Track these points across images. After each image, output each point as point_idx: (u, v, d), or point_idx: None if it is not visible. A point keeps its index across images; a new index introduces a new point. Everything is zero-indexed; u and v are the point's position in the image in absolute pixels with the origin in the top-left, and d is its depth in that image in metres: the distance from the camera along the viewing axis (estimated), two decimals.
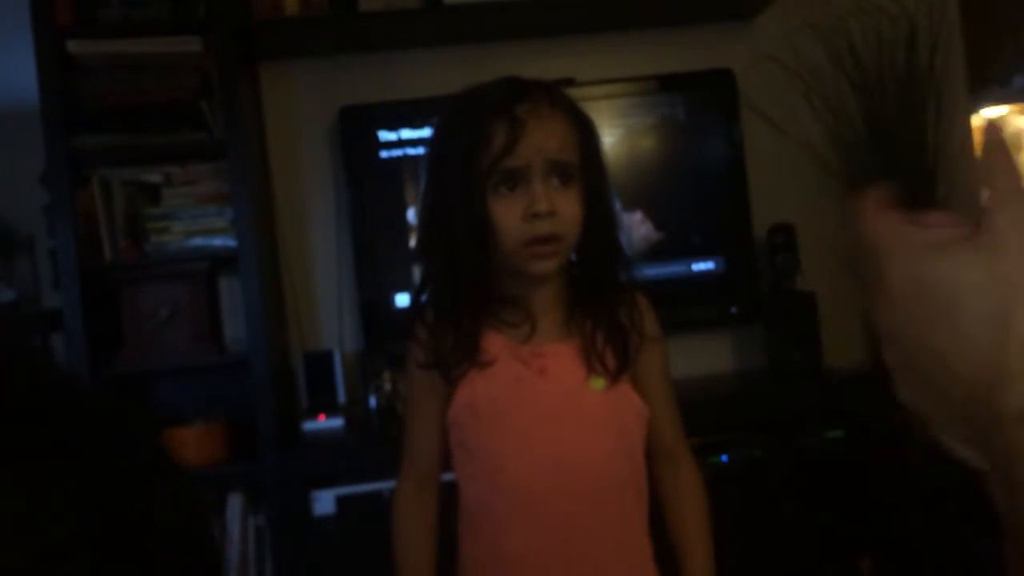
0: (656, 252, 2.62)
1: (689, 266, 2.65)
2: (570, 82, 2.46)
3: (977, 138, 2.94)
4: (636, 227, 2.62)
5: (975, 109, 2.78)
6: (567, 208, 1.09)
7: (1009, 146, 0.46)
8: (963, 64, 2.86)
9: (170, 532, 0.43)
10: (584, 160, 1.12)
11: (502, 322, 1.15)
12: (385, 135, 2.58)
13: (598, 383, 1.13)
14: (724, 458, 2.32)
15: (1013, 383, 0.42)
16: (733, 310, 2.67)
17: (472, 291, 1.13)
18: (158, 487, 0.44)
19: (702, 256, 2.65)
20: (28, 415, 0.40)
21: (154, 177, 2.41)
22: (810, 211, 2.74)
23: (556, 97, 1.12)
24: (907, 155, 2.60)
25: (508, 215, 1.08)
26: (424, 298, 1.18)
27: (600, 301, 1.15)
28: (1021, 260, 0.42)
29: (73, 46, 2.27)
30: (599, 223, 1.14)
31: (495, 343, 1.14)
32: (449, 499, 1.20)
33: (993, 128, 0.47)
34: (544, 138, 1.08)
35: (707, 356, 2.76)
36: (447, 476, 1.21)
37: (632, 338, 1.15)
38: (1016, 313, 0.42)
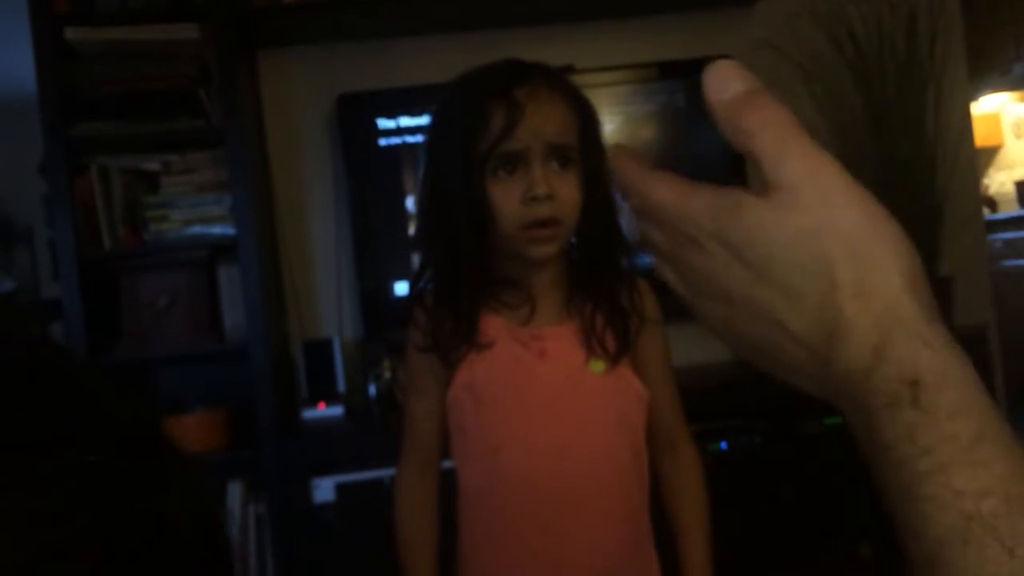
0: None
1: None
2: (569, 69, 2.45)
3: (976, 126, 2.94)
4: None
5: (974, 96, 2.78)
6: (566, 191, 1.09)
7: (750, 95, 0.42)
8: (963, 51, 2.85)
9: (182, 533, 0.41)
10: (583, 143, 1.12)
11: (501, 304, 1.15)
12: (384, 123, 2.57)
13: (598, 366, 1.13)
14: (723, 445, 2.33)
15: (851, 334, 0.39)
16: None
17: (471, 274, 1.13)
18: (171, 487, 0.43)
19: None
20: (32, 408, 0.39)
21: (152, 165, 2.40)
22: None
23: (555, 80, 1.12)
24: (906, 142, 2.60)
25: (507, 198, 1.08)
26: (423, 282, 1.18)
27: (600, 284, 1.15)
28: (822, 209, 0.40)
29: (71, 34, 2.26)
30: (599, 207, 1.13)
31: (494, 325, 1.14)
32: (450, 483, 1.20)
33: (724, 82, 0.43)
34: (543, 121, 1.08)
35: (707, 344, 2.76)
36: (447, 464, 1.21)
37: (632, 321, 1.14)
38: (837, 261, 0.39)
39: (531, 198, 1.07)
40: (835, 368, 0.40)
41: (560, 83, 1.12)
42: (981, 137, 3.54)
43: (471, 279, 1.13)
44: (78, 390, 0.43)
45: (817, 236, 0.40)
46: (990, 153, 5.26)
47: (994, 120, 5.24)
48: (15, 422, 0.38)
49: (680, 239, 0.45)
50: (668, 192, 0.45)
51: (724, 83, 0.44)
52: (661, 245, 0.47)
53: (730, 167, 2.65)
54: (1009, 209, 5.00)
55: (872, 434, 0.39)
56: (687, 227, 0.45)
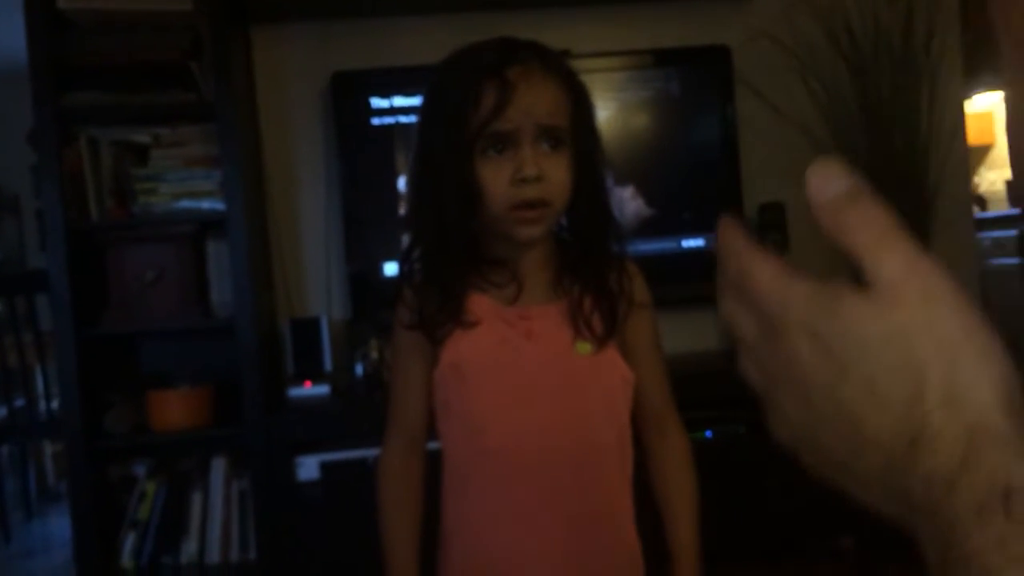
0: (647, 228, 2.61)
1: (679, 242, 2.65)
2: (566, 54, 2.44)
3: (969, 124, 2.94)
4: (627, 202, 2.61)
5: (969, 94, 2.78)
6: (555, 173, 1.08)
7: (858, 195, 0.41)
8: (958, 49, 2.85)
9: None
10: (575, 125, 1.11)
11: (489, 283, 1.14)
12: (377, 102, 2.56)
13: (584, 347, 1.12)
14: (708, 434, 2.33)
15: (937, 442, 0.37)
16: None
17: (458, 252, 1.12)
18: None
19: (692, 233, 2.65)
20: None
21: (143, 138, 2.39)
22: (801, 190, 2.68)
23: (548, 60, 1.11)
24: (900, 137, 2.60)
25: (496, 178, 1.07)
26: (412, 260, 1.17)
27: (589, 265, 1.15)
28: (921, 309, 0.39)
29: (63, 2, 2.24)
30: (589, 189, 1.13)
31: (480, 304, 1.13)
32: (435, 463, 1.20)
33: (834, 184, 0.42)
34: (534, 102, 1.07)
35: (695, 333, 2.77)
36: (433, 445, 1.21)
37: (620, 303, 1.14)
38: (931, 364, 0.38)
39: (520, 179, 1.06)
40: (914, 477, 0.38)
41: (553, 63, 1.11)
42: (973, 135, 3.54)
43: (458, 257, 1.13)
44: None
45: (913, 336, 0.39)
46: (982, 152, 5.28)
47: (987, 119, 5.25)
48: None
49: (769, 324, 0.43)
50: (768, 271, 0.44)
51: (827, 182, 0.43)
52: (748, 330, 0.45)
53: (722, 155, 2.66)
54: (999, 208, 5.02)
55: (952, 545, 0.37)
56: (779, 311, 0.43)
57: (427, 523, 1.20)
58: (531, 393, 1.12)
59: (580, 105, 1.12)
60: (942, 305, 0.39)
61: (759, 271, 0.44)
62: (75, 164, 2.32)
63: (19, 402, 3.96)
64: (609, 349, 1.13)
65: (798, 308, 0.42)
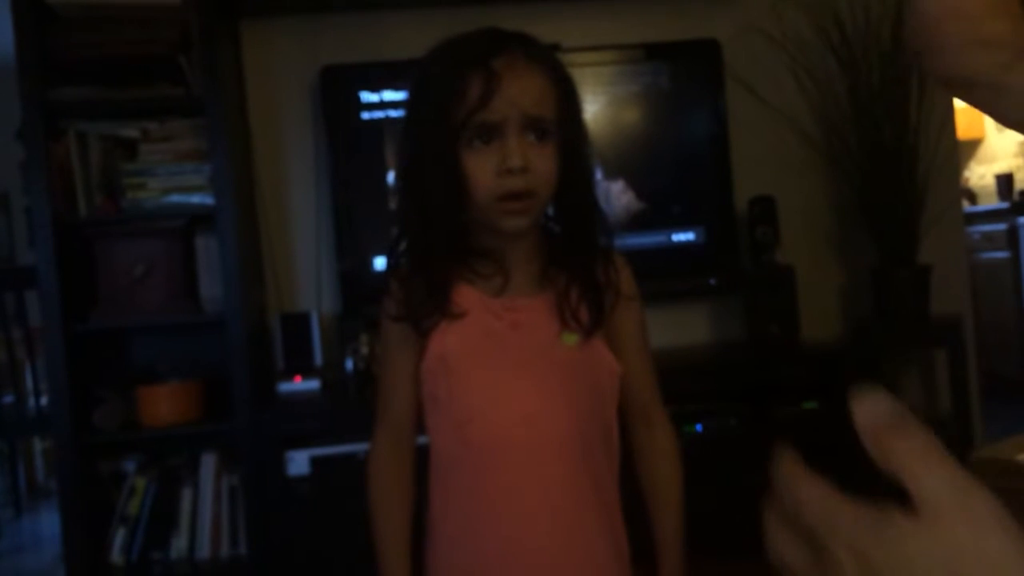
0: (637, 222, 2.62)
1: (669, 236, 2.65)
2: (555, 48, 2.43)
3: (959, 118, 2.95)
4: (618, 196, 2.62)
5: None
6: (541, 164, 1.08)
7: (897, 419, 0.43)
8: None
9: None
10: (561, 116, 1.11)
11: (475, 275, 1.14)
12: (367, 96, 2.56)
13: (571, 338, 1.12)
14: (699, 427, 2.34)
15: None
16: (712, 281, 2.68)
17: (444, 243, 1.12)
18: None
19: (682, 227, 2.65)
20: None
21: (131, 132, 2.38)
22: (791, 184, 2.75)
23: (534, 51, 1.10)
24: (889, 131, 2.61)
25: (481, 169, 1.07)
26: (399, 252, 1.17)
27: (576, 257, 1.15)
28: (967, 530, 0.39)
29: None
30: (575, 180, 1.13)
31: (467, 296, 1.13)
32: (425, 456, 1.20)
33: (877, 409, 0.44)
34: (520, 92, 1.06)
35: (685, 327, 2.77)
36: (424, 439, 1.20)
37: (607, 295, 1.14)
38: None
39: (505, 170, 1.06)
40: None
41: (539, 54, 1.11)
42: (963, 129, 3.55)
43: (445, 248, 1.12)
44: None
45: (961, 558, 0.39)
46: (972, 146, 5.29)
47: (976, 113, 5.25)
48: None
49: (818, 547, 0.44)
50: (818, 490, 0.45)
51: (872, 407, 0.44)
52: (797, 558, 0.46)
53: (712, 149, 2.66)
54: (989, 202, 5.04)
55: None
56: (827, 531, 0.44)
57: (418, 516, 1.20)
58: (517, 384, 1.12)
59: (566, 96, 1.12)
60: (989, 527, 0.40)
61: (808, 492, 0.45)
62: (63, 159, 2.31)
63: (8, 398, 3.94)
64: (596, 341, 1.13)
65: (846, 528, 0.43)
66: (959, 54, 0.52)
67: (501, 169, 1.06)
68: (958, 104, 2.90)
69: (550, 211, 1.16)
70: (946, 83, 0.54)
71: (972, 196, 5.20)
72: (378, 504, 1.20)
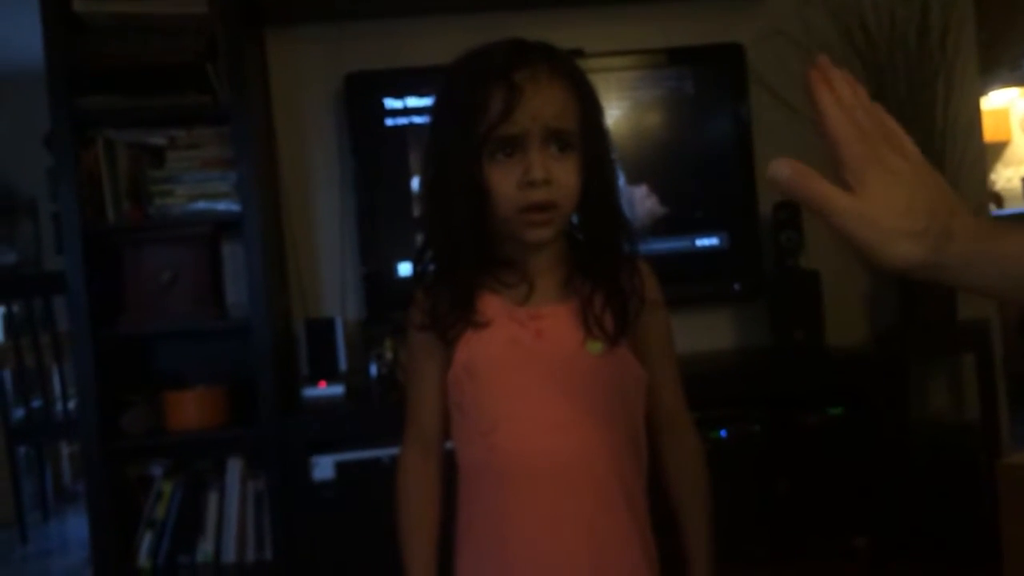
0: (660, 227, 2.61)
1: (693, 242, 2.64)
2: (579, 53, 2.44)
3: (985, 121, 2.93)
4: (641, 201, 2.61)
5: (984, 91, 2.77)
6: (563, 176, 1.09)
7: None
8: (974, 45, 2.84)
9: None
10: (584, 127, 1.11)
11: (500, 284, 1.15)
12: (391, 103, 2.57)
13: (596, 347, 1.12)
14: (723, 433, 2.33)
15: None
16: (736, 287, 2.67)
17: (469, 254, 1.13)
18: None
19: (706, 232, 2.64)
20: None
21: (158, 140, 2.40)
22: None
23: (557, 63, 1.10)
24: (916, 134, 2.57)
25: (504, 182, 1.08)
26: (425, 262, 1.18)
27: (600, 265, 1.15)
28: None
29: (79, 5, 2.26)
30: (598, 190, 1.13)
31: (492, 304, 1.14)
32: (454, 463, 1.20)
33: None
34: (542, 105, 1.07)
35: (709, 332, 2.76)
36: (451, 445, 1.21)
37: (632, 302, 1.14)
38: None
39: (528, 182, 1.07)
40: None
41: (562, 65, 1.11)
42: (989, 132, 3.52)
43: (469, 258, 1.13)
44: None
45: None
46: (998, 149, 5.25)
47: (1003, 115, 5.22)
48: None
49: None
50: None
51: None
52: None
53: (736, 154, 2.65)
54: (1015, 205, 4.99)
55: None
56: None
57: (446, 524, 1.20)
58: (542, 392, 1.12)
59: (589, 107, 1.12)
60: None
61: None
62: (92, 166, 2.33)
63: (36, 403, 3.99)
64: (621, 349, 1.13)
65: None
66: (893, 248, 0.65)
67: (523, 182, 1.07)
68: (984, 106, 2.88)
69: (574, 219, 1.16)
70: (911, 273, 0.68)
71: (999, 199, 5.15)
72: (406, 514, 1.20)
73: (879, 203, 0.65)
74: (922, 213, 0.65)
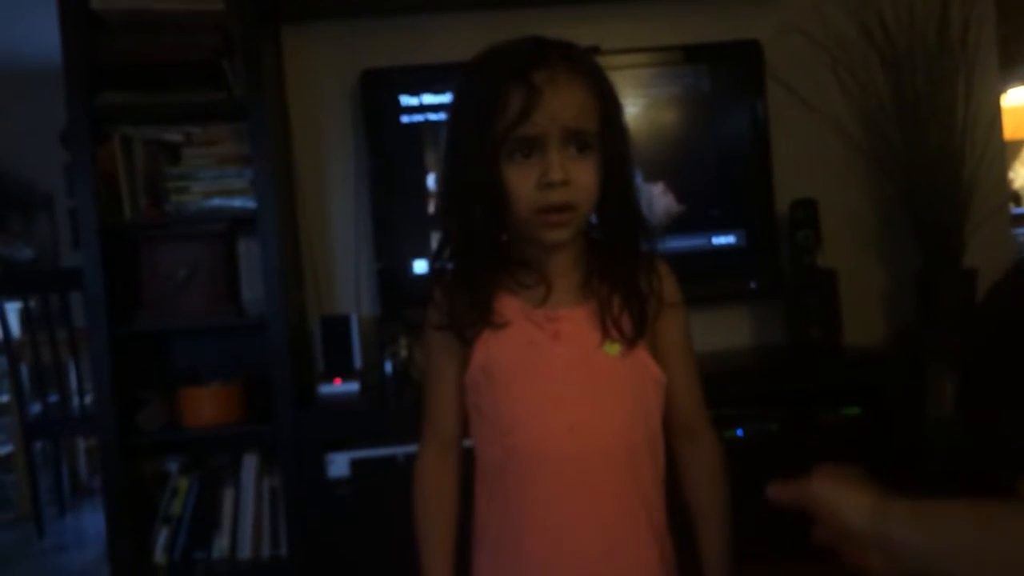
0: (677, 224, 2.60)
1: (710, 239, 2.63)
2: (595, 50, 2.43)
3: (1005, 118, 2.90)
4: (658, 199, 2.60)
5: (1004, 88, 2.74)
6: (582, 177, 1.08)
7: None
8: (994, 42, 2.81)
9: None
10: (603, 127, 1.10)
11: (518, 285, 1.14)
12: (407, 100, 2.56)
13: (613, 348, 1.11)
14: (740, 432, 2.32)
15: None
16: (752, 285, 2.65)
17: (486, 254, 1.12)
18: None
19: (723, 230, 2.63)
20: None
21: (175, 136, 2.40)
22: (834, 187, 2.72)
23: (576, 62, 1.09)
24: (935, 132, 2.57)
25: (522, 182, 1.07)
26: (442, 262, 1.17)
27: (618, 266, 1.14)
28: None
29: (96, 2, 2.27)
30: (617, 190, 1.12)
31: (509, 306, 1.13)
32: (471, 463, 1.20)
33: None
34: (561, 106, 1.05)
35: (725, 330, 2.75)
36: (469, 443, 1.21)
37: (650, 303, 1.13)
38: None
39: (546, 183, 1.06)
40: None
41: (581, 65, 1.10)
42: (1009, 130, 3.49)
43: (486, 259, 1.12)
44: None
45: None
46: (1018, 147, 5.20)
47: (1022, 113, 5.17)
48: None
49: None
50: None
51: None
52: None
53: (754, 151, 2.64)
54: None
55: None
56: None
57: (463, 524, 1.20)
58: (559, 394, 1.11)
59: (608, 107, 1.11)
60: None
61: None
62: (108, 163, 2.34)
63: (53, 398, 4.01)
64: (639, 350, 1.13)
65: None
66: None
67: (542, 183, 1.06)
68: (1005, 104, 2.85)
69: (593, 219, 1.16)
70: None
71: (1018, 198, 5.11)
72: (423, 513, 1.20)
73: None
74: None
